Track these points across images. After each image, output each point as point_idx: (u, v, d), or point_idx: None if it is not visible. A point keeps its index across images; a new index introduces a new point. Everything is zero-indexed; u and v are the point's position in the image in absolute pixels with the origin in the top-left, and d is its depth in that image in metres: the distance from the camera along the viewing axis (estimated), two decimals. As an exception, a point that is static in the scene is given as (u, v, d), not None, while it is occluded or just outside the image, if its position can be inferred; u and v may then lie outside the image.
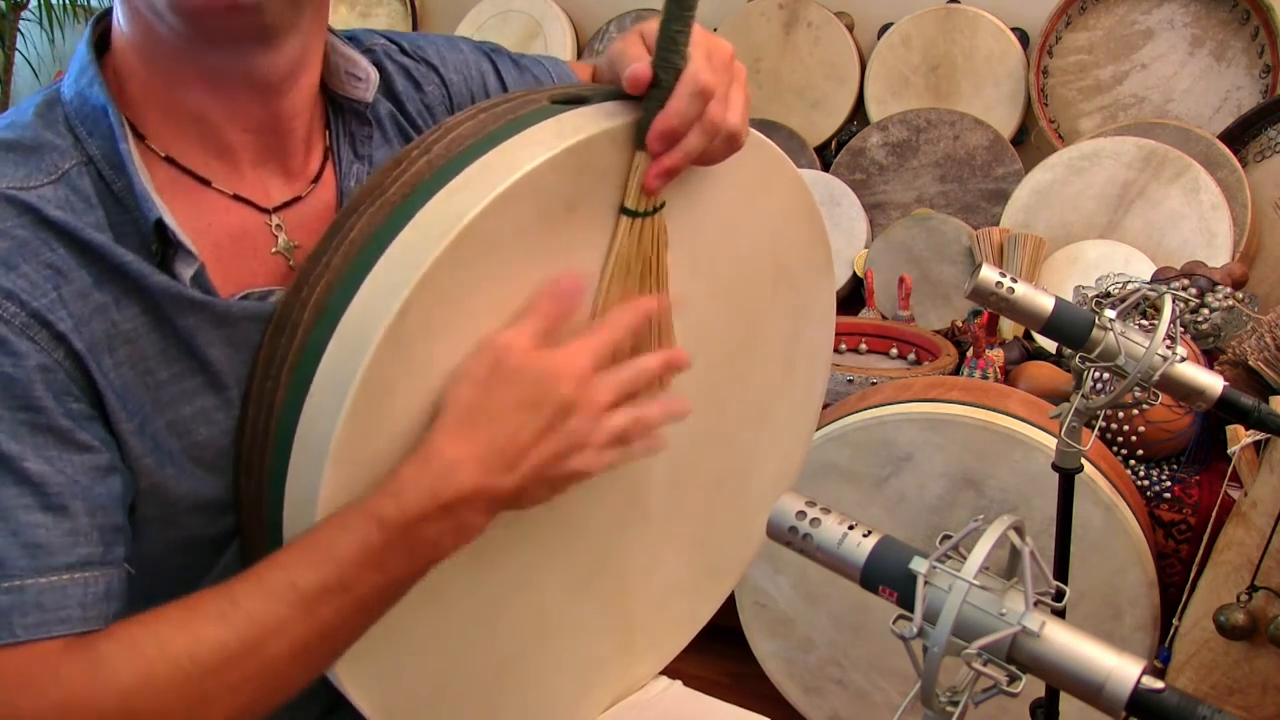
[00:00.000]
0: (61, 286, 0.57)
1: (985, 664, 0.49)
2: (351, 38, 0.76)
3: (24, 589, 0.53)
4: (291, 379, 0.61)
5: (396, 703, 0.68)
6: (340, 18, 2.86)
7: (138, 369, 0.60)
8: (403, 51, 0.79)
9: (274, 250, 0.68)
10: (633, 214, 0.66)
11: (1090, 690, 0.48)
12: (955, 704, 0.50)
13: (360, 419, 0.57)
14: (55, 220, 0.58)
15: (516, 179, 0.58)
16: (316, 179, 0.71)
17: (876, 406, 1.52)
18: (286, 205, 0.70)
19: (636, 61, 0.63)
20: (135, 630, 0.55)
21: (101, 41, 0.66)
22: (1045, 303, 0.94)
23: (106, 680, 0.53)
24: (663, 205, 0.67)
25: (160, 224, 0.61)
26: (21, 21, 3.09)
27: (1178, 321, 1.38)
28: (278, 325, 0.63)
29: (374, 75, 0.73)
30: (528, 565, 0.74)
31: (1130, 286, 1.06)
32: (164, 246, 0.62)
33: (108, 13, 0.66)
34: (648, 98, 0.63)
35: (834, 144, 2.42)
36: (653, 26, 0.64)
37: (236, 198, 0.67)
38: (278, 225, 0.69)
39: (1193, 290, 1.76)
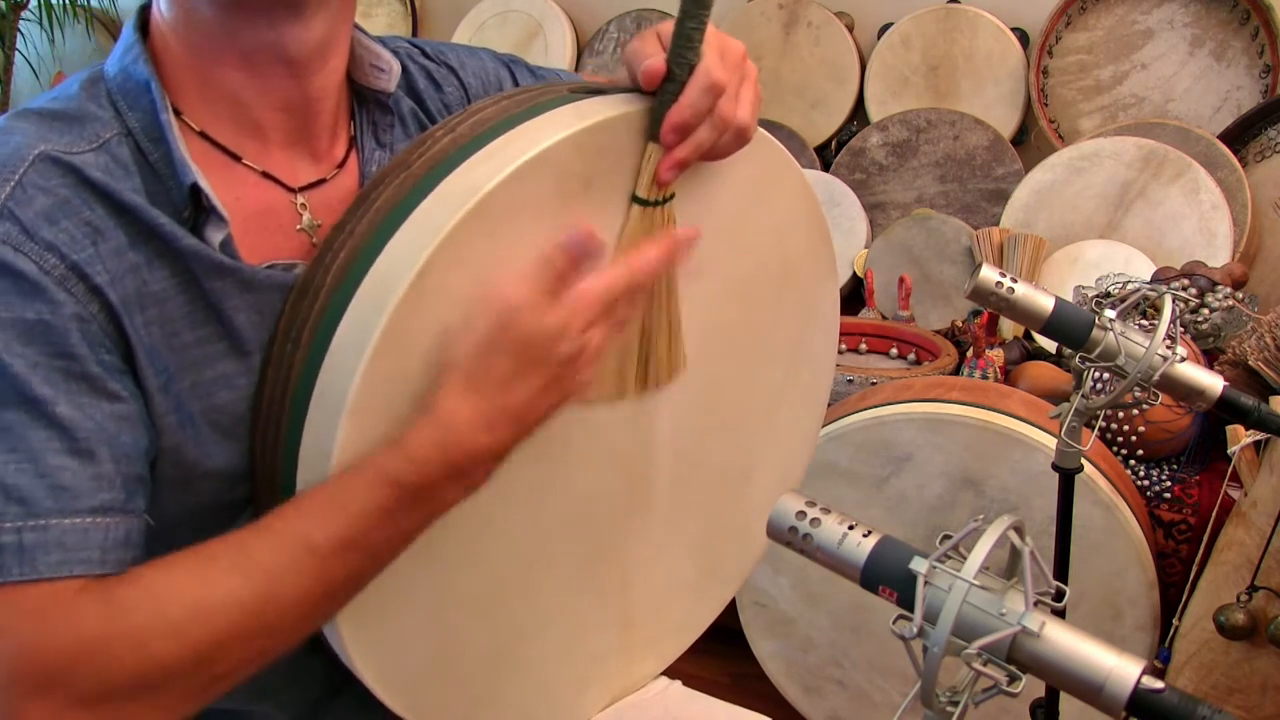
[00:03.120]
0: (99, 243, 0.60)
1: (985, 664, 0.49)
2: (378, 39, 0.79)
3: (48, 528, 0.55)
4: (312, 340, 0.63)
5: (398, 675, 0.69)
6: (340, 18, 2.85)
7: (165, 329, 0.63)
8: (425, 55, 0.83)
9: (298, 227, 0.71)
10: (644, 203, 0.68)
11: (1090, 690, 0.48)
12: (955, 704, 0.50)
13: (378, 375, 0.59)
14: (95, 181, 0.61)
15: (536, 153, 0.61)
16: (341, 164, 0.75)
17: (876, 406, 1.52)
18: (311, 186, 0.72)
19: (652, 58, 0.66)
20: (151, 576, 0.57)
21: (145, 26, 0.69)
22: (1045, 303, 0.94)
23: (122, 622, 0.55)
24: (672, 196, 0.69)
25: (195, 189, 0.63)
26: (21, 21, 3.09)
27: (1178, 321, 1.38)
28: (300, 291, 0.66)
29: (396, 66, 0.76)
30: (532, 545, 0.74)
31: (1130, 286, 1.06)
32: (196, 212, 0.64)
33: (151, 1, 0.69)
34: (661, 91, 0.66)
35: (834, 144, 2.42)
36: (669, 27, 0.66)
37: (265, 175, 0.70)
38: (302, 204, 0.72)
39: (1193, 290, 1.76)
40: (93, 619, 0.55)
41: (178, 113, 0.67)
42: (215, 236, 0.65)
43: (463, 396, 0.60)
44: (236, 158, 0.69)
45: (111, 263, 0.60)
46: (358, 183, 0.75)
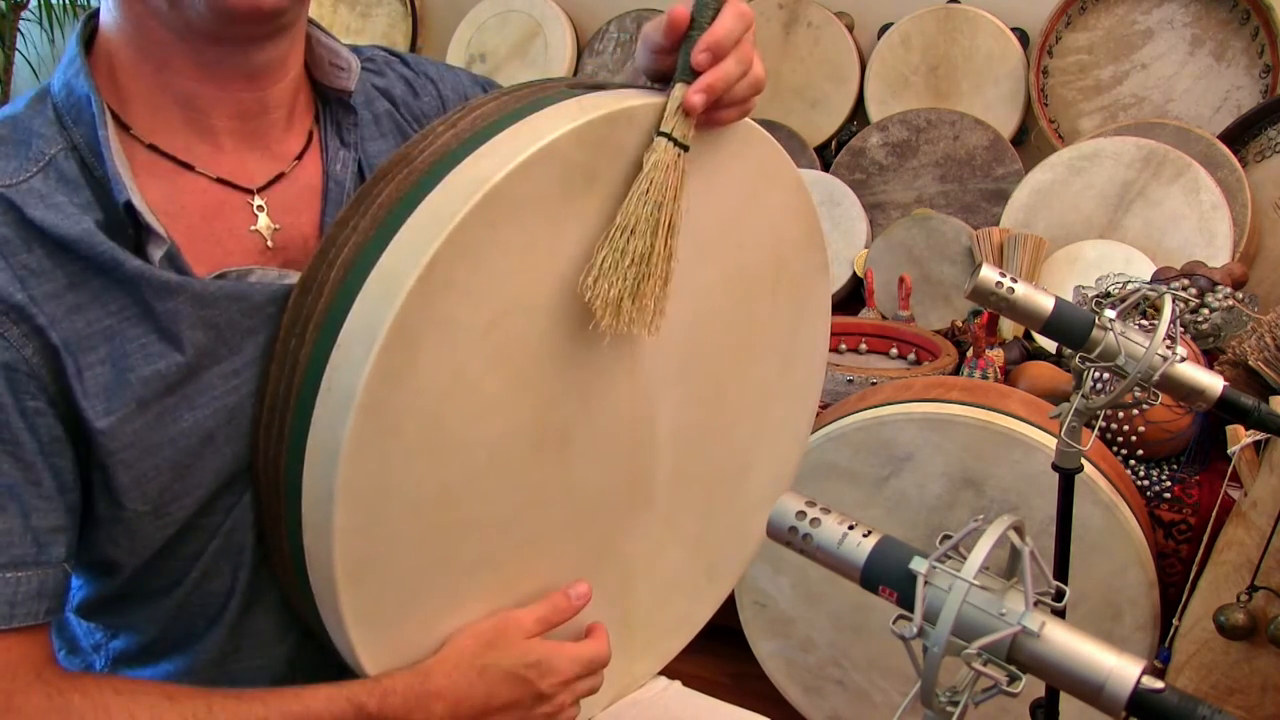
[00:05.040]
0: (38, 286, 0.59)
1: (985, 664, 0.49)
2: (356, 50, 0.79)
3: None
4: (318, 335, 0.63)
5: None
6: (340, 18, 2.85)
7: (118, 366, 0.61)
8: (404, 64, 0.84)
9: (252, 228, 0.70)
10: (668, 136, 0.67)
11: (1090, 690, 0.48)
12: (955, 704, 0.50)
13: (387, 368, 0.59)
14: (35, 221, 0.59)
15: (541, 145, 0.61)
16: (299, 157, 0.73)
17: (876, 406, 1.52)
18: (270, 185, 0.71)
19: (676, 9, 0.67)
20: (110, 697, 0.60)
21: (91, 38, 0.67)
22: (1045, 303, 0.94)
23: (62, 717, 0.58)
24: (688, 148, 0.68)
25: (129, 206, 0.62)
26: (21, 21, 3.09)
27: (1178, 321, 1.38)
28: (303, 287, 0.65)
29: (355, 64, 0.75)
30: (538, 545, 0.75)
31: (1130, 286, 1.06)
32: (137, 230, 0.63)
33: (99, 10, 0.68)
34: (686, 40, 0.67)
35: (834, 144, 2.42)
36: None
37: (219, 180, 0.68)
38: (259, 206, 0.70)
39: (1193, 290, 1.75)
40: (35, 707, 0.58)
41: (127, 126, 0.65)
42: (156, 253, 0.63)
43: (449, 674, 0.68)
44: (189, 166, 0.67)
45: (50, 306, 0.59)
46: (320, 181, 0.74)
